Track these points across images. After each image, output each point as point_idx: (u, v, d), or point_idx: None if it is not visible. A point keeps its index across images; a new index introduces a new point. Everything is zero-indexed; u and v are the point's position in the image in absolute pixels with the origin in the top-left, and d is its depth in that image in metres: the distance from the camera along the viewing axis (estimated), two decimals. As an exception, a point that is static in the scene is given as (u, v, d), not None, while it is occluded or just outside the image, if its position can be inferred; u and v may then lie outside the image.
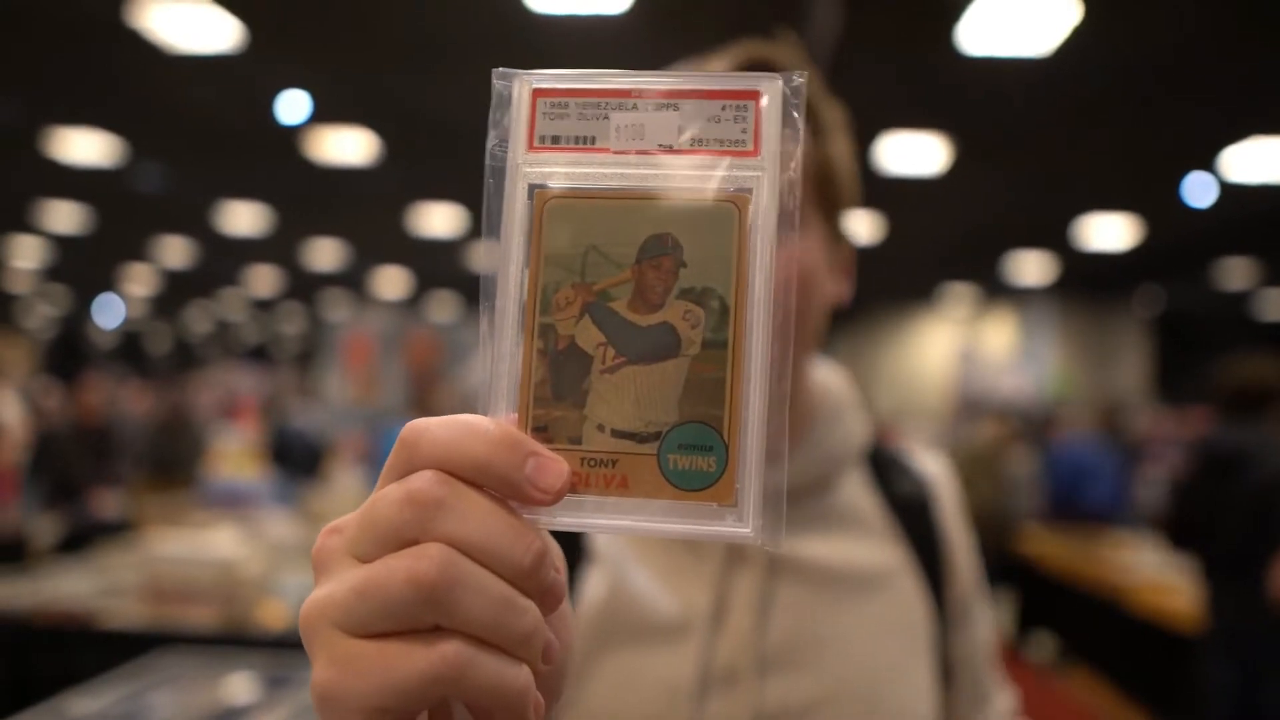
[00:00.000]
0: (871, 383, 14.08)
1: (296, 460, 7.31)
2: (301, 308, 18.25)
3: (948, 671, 0.92)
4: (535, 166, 0.38)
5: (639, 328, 0.37)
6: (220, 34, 4.98)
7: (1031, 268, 11.25)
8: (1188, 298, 12.83)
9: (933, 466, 1.02)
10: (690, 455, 0.36)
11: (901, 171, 7.11)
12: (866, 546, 0.91)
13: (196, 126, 6.84)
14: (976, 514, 4.75)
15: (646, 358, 0.36)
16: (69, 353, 20.37)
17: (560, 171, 0.38)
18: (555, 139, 0.38)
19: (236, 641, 2.96)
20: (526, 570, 0.34)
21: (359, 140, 6.96)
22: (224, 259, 12.61)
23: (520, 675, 0.34)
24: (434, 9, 4.73)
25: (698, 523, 0.35)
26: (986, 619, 0.99)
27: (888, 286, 12.77)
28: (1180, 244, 9.67)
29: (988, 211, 8.69)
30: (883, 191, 7.65)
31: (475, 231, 9.75)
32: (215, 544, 3.43)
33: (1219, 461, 3.52)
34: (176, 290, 16.23)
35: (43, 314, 20.60)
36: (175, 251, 12.28)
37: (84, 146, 7.26)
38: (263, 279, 14.64)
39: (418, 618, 0.33)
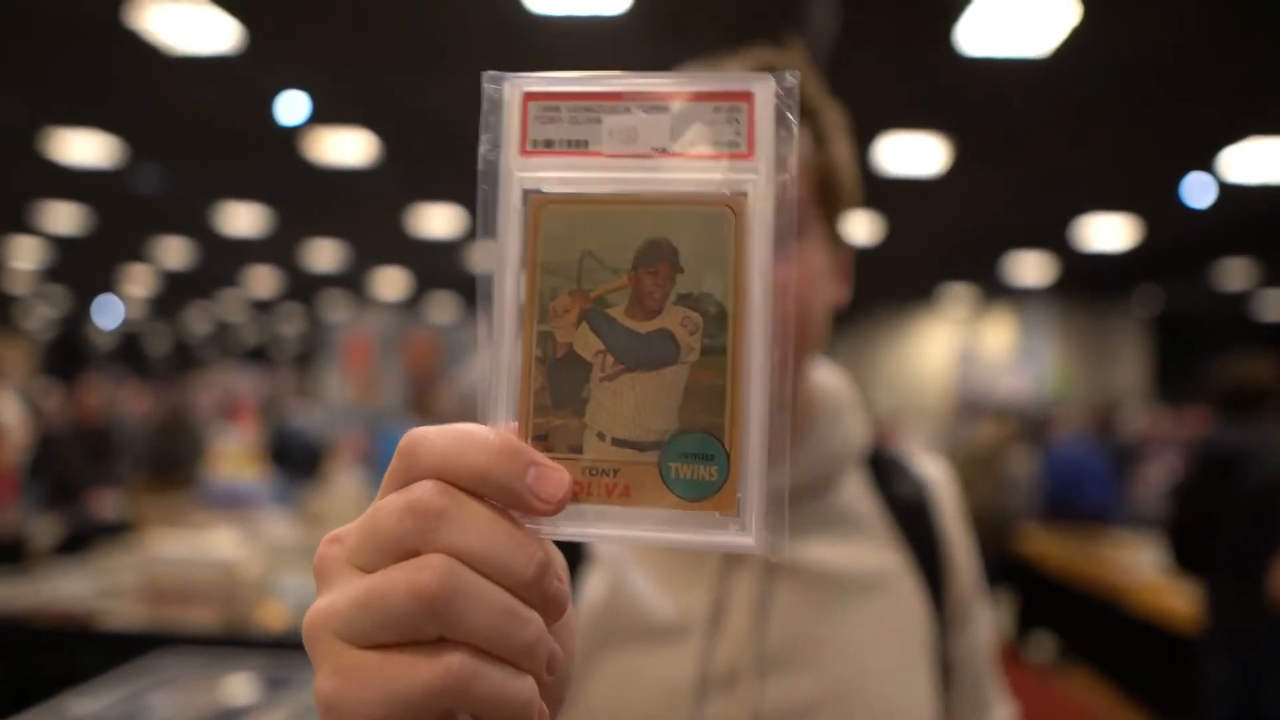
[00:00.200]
0: (871, 383, 14.08)
1: (296, 461, 7.30)
2: (301, 308, 18.26)
3: (947, 673, 0.92)
4: (528, 171, 0.38)
5: (637, 334, 0.36)
6: (219, 35, 4.98)
7: (1030, 268, 11.25)
8: (1187, 298, 12.84)
9: (932, 469, 1.02)
10: (692, 464, 0.35)
11: (901, 172, 7.11)
12: (866, 548, 0.90)
13: (196, 127, 6.84)
14: (976, 514, 4.75)
15: (646, 365, 0.36)
16: (68, 354, 20.38)
17: (554, 176, 0.37)
18: (548, 143, 0.38)
19: (236, 642, 2.96)
20: (529, 580, 0.34)
21: (358, 141, 6.96)
22: (223, 260, 12.61)
23: (525, 687, 0.34)
24: (433, 9, 4.73)
25: (700, 533, 0.35)
26: (987, 621, 0.99)
27: (887, 287, 12.77)
28: (1179, 244, 9.67)
29: (987, 212, 8.70)
30: (882, 192, 7.65)
31: (474, 232, 9.73)
32: (215, 545, 3.43)
33: (1218, 461, 3.52)
34: (176, 291, 16.23)
35: (42, 315, 20.60)
36: (174, 252, 12.28)
37: (83, 147, 7.26)
38: (262, 280, 14.63)
39: (420, 629, 0.33)
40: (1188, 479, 3.77)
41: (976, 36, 4.67)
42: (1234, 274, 11.26)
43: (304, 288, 15.11)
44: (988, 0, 4.29)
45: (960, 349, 12.52)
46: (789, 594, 0.85)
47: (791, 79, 0.37)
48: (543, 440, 0.36)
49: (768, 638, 0.83)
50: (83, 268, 13.94)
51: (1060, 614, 6.42)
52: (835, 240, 0.90)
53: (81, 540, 5.01)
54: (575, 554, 0.85)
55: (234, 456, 6.45)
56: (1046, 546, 6.63)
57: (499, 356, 0.37)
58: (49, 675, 2.85)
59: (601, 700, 0.81)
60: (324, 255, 12.06)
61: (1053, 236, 9.54)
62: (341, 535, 0.36)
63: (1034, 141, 6.55)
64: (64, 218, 10.13)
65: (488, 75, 0.38)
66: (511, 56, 5.22)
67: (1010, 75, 5.27)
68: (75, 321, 21.25)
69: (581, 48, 5.09)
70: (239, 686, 2.34)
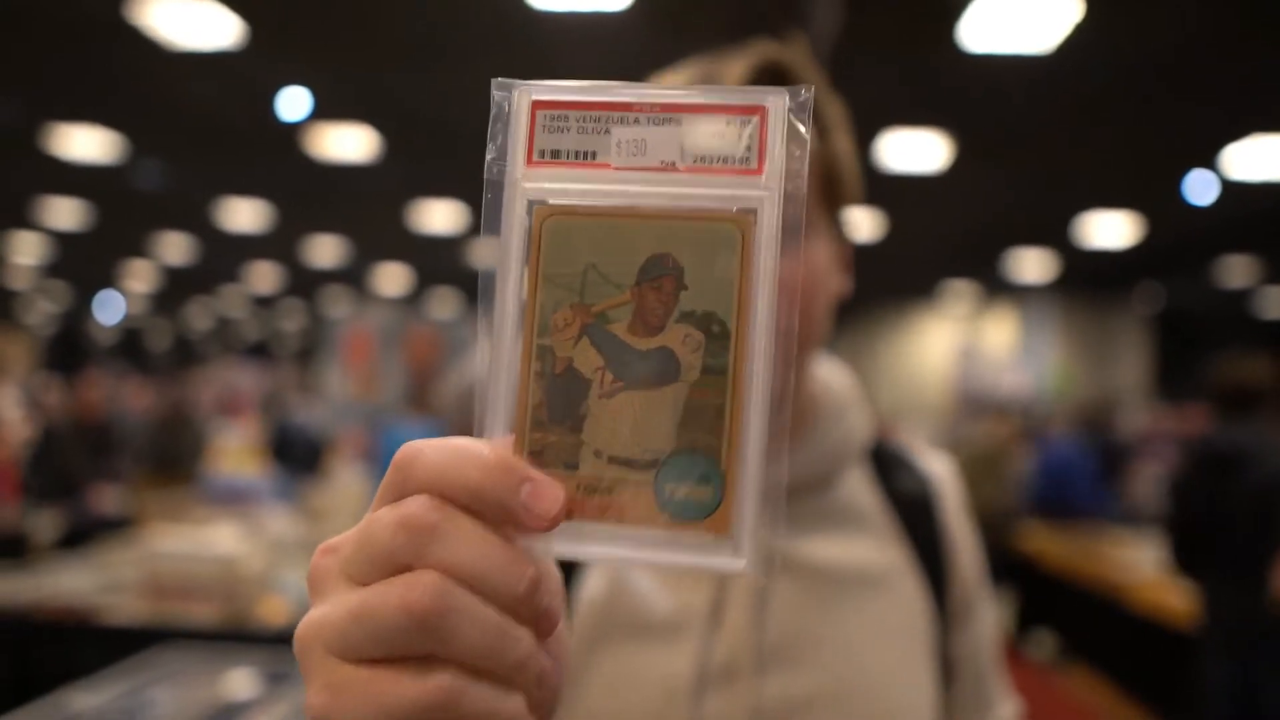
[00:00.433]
0: (872, 380, 14.08)
1: (297, 456, 7.30)
2: (302, 304, 18.26)
3: (948, 671, 0.92)
4: (534, 182, 0.37)
5: (638, 351, 0.36)
6: (221, 31, 4.98)
7: (1032, 265, 11.24)
8: (1188, 295, 12.83)
9: (936, 464, 1.01)
10: (687, 485, 0.35)
11: (902, 169, 7.11)
12: (867, 544, 0.90)
13: (197, 123, 6.84)
14: (979, 512, 4.74)
15: (645, 383, 0.35)
16: (69, 349, 20.40)
17: (560, 188, 0.37)
18: (555, 153, 0.37)
19: (237, 638, 2.97)
20: (521, 597, 0.34)
21: (359, 137, 6.95)
22: (224, 255, 12.61)
23: (512, 704, 0.34)
24: (435, 6, 4.72)
25: (692, 554, 0.35)
26: (990, 618, 0.99)
27: (888, 284, 12.76)
28: (1181, 242, 9.66)
29: (988, 209, 8.69)
30: (884, 189, 7.64)
31: (475, 229, 9.74)
32: (216, 540, 3.44)
33: (1216, 461, 3.52)
34: (177, 287, 16.23)
35: (43, 310, 20.61)
36: (175, 248, 12.28)
37: (84, 143, 7.25)
38: (263, 275, 14.64)
39: (411, 646, 0.33)
40: (1185, 478, 3.76)
41: (979, 33, 4.67)
42: (1236, 271, 11.25)
43: (305, 283, 15.11)
44: (990, -3, 4.29)
45: (961, 346, 12.53)
46: (788, 590, 0.85)
47: (805, 94, 0.36)
48: (538, 456, 0.36)
49: (767, 634, 0.83)
50: (84, 263, 13.94)
51: (1060, 612, 6.42)
52: (837, 233, 0.90)
53: (82, 535, 5.02)
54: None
55: (235, 452, 6.46)
56: (1047, 544, 6.63)
57: (497, 369, 0.36)
58: (50, 670, 2.86)
59: (600, 696, 0.81)
60: (325, 251, 12.06)
61: (1054, 233, 9.53)
62: (336, 545, 0.36)
63: (1036, 138, 6.54)
64: (65, 213, 10.13)
65: (497, 82, 0.38)
66: (513, 53, 5.22)
67: (1012, 72, 5.26)
68: (76, 317, 21.27)
69: (583, 44, 5.09)
70: (240, 682, 2.35)
